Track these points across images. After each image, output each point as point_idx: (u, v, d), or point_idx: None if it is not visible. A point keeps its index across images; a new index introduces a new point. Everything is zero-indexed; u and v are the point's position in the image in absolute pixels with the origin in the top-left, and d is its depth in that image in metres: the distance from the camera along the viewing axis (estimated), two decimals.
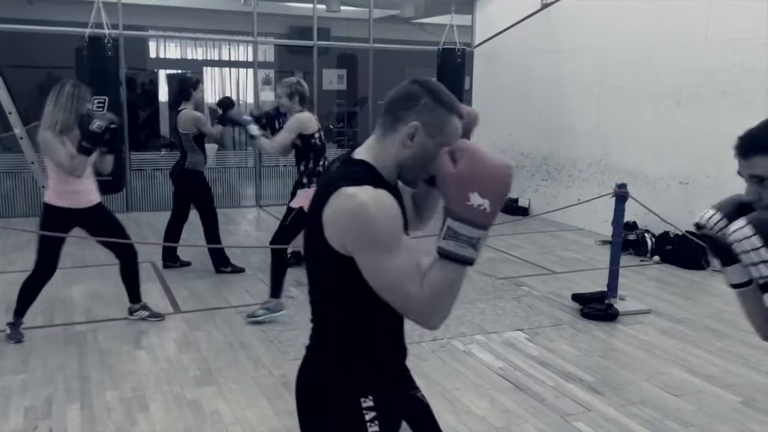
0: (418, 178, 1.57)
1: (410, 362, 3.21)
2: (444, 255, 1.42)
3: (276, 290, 4.54)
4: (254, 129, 4.56)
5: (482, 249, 1.44)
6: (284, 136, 4.44)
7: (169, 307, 4.80)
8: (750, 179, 1.54)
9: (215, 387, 3.55)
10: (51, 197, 4.07)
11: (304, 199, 4.49)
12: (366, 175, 1.48)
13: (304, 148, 4.46)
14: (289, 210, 4.56)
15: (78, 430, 3.09)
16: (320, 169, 4.52)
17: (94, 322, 4.48)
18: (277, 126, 4.78)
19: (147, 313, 4.51)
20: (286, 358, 3.92)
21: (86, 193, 4.13)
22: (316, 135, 4.49)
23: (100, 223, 4.25)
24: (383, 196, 1.42)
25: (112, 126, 4.07)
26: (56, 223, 4.06)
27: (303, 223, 5.01)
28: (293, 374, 3.88)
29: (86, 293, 5.01)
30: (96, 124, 3.96)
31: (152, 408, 3.31)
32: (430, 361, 3.91)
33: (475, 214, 1.40)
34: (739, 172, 1.58)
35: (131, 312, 4.51)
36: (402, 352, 1.70)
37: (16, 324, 4.13)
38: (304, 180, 4.51)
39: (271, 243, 4.59)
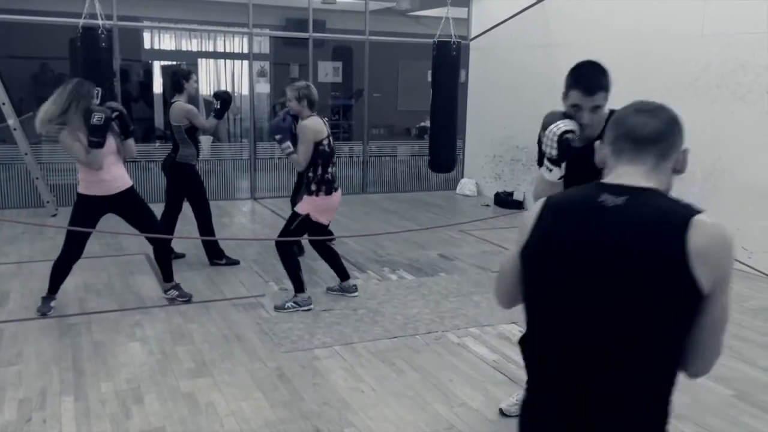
0: None
1: (404, 354, 3.20)
2: None
3: (298, 285, 4.60)
4: (288, 147, 4.50)
5: None
6: (304, 149, 4.41)
7: (164, 299, 4.79)
8: (591, 109, 2.52)
9: (210, 379, 3.55)
10: (82, 187, 4.33)
11: (310, 206, 4.51)
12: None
13: (314, 155, 4.43)
14: (295, 215, 4.56)
15: (72, 422, 3.09)
16: (329, 176, 4.50)
17: (88, 314, 4.47)
18: (293, 130, 4.75)
19: (177, 293, 4.72)
20: (280, 351, 3.93)
21: (115, 180, 4.38)
22: (325, 141, 4.47)
23: (130, 208, 4.49)
24: None
25: (115, 114, 4.27)
26: (88, 211, 4.35)
27: (306, 229, 5.01)
28: (288, 366, 3.90)
29: (80, 285, 5.00)
30: (96, 117, 4.13)
31: (147, 400, 3.31)
32: (424, 353, 3.92)
33: None
34: (574, 105, 2.53)
35: (164, 291, 4.77)
36: None
37: (47, 299, 4.45)
38: (313, 187, 4.48)
39: (277, 244, 4.61)
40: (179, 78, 5.44)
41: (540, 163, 2.59)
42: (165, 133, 5.47)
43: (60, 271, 4.44)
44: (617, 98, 7.08)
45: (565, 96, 2.57)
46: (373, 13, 9.60)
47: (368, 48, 9.31)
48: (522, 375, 3.69)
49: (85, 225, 4.36)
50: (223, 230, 6.73)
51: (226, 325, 4.33)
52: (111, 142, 4.33)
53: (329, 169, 4.51)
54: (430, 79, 8.71)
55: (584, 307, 1.37)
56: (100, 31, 6.46)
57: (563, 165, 2.48)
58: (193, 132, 5.42)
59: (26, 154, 7.39)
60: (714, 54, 6.06)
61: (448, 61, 8.31)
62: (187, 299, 4.71)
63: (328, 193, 4.51)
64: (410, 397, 3.39)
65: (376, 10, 10.60)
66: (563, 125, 2.45)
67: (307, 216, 4.50)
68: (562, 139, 2.43)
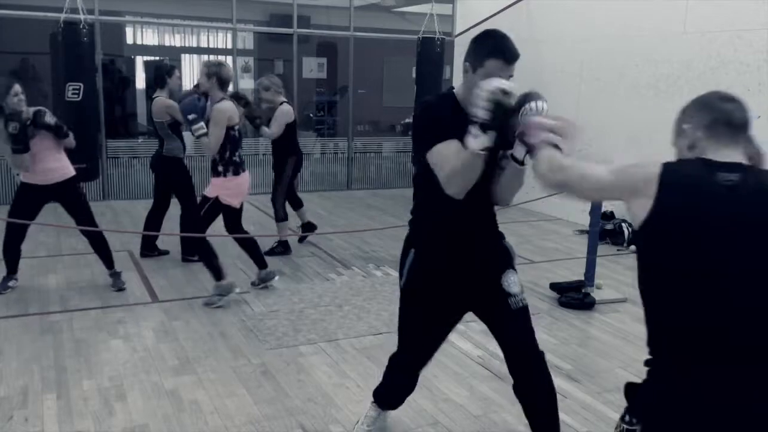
0: None
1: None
2: None
3: (217, 273, 4.53)
4: (201, 129, 4.39)
5: None
6: (216, 132, 4.37)
7: (147, 296, 4.76)
8: (504, 78, 2.21)
9: (194, 376, 3.53)
10: (22, 175, 4.59)
11: (219, 188, 4.50)
12: None
13: (224, 139, 4.42)
14: (205, 199, 4.53)
15: (54, 420, 3.06)
16: (237, 158, 4.49)
17: (70, 311, 4.43)
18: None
19: (112, 281, 4.88)
20: (264, 348, 3.92)
21: (53, 170, 4.55)
22: (236, 127, 4.49)
23: (68, 200, 4.68)
24: None
25: (28, 122, 4.34)
26: (27, 198, 4.59)
27: (218, 213, 5.02)
28: (272, 363, 3.89)
29: (62, 282, 4.96)
30: (11, 127, 4.27)
31: (130, 397, 3.28)
32: None
33: None
34: (490, 73, 2.20)
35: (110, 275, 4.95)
36: None
37: (6, 278, 4.74)
38: (220, 169, 4.48)
39: (188, 232, 4.58)
40: (162, 73, 5.40)
41: (426, 145, 2.29)
42: (148, 129, 5.44)
43: (8, 253, 4.71)
44: (602, 93, 7.22)
45: (476, 67, 2.31)
46: (357, 9, 9.58)
47: (353, 44, 9.29)
48: (505, 370, 3.71)
49: (23, 210, 4.61)
50: None
51: (210, 322, 4.31)
52: (47, 140, 4.47)
53: (237, 153, 4.50)
54: (414, 75, 8.72)
55: (736, 276, 1.52)
56: (81, 26, 6.40)
57: (493, 133, 2.14)
58: (176, 127, 5.38)
59: None
60: (696, 51, 6.12)
61: (432, 58, 8.33)
62: (119, 288, 4.81)
63: (236, 173, 4.50)
64: None
65: (361, 6, 10.57)
66: (500, 83, 2.13)
67: (217, 199, 4.47)
68: (497, 99, 2.11)
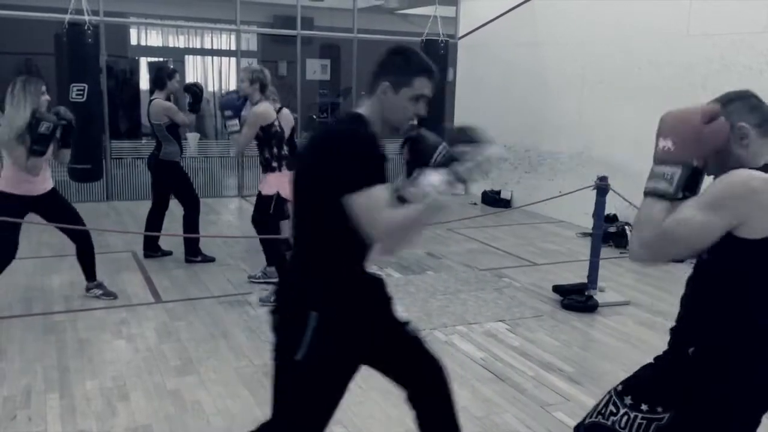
0: None
1: None
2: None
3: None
4: (234, 126, 4.65)
5: None
6: (247, 133, 4.60)
7: (150, 296, 4.77)
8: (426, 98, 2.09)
9: (196, 377, 3.54)
10: (6, 185, 4.16)
11: (277, 182, 4.66)
12: None
13: (266, 137, 4.63)
14: (267, 198, 4.68)
15: (57, 419, 3.07)
16: (285, 152, 4.70)
17: (73, 311, 4.44)
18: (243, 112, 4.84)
19: (101, 291, 4.66)
20: (267, 348, 3.91)
21: (40, 182, 4.24)
22: (276, 123, 4.66)
23: (54, 209, 4.37)
24: None
25: (63, 122, 4.15)
26: (10, 209, 4.15)
27: (283, 207, 5.19)
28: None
29: (65, 282, 4.97)
30: (44, 126, 4.03)
31: (132, 398, 3.29)
32: None
33: None
34: (420, 96, 2.07)
35: (87, 290, 4.68)
36: None
37: None
38: (274, 164, 4.67)
39: (259, 232, 4.79)
40: (163, 75, 5.41)
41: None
42: (151, 129, 5.47)
43: None
44: (605, 96, 7.19)
45: (400, 87, 2.02)
46: (361, 10, 9.59)
47: (356, 46, 9.30)
48: (507, 372, 3.72)
49: (12, 225, 4.16)
50: (209, 227, 6.71)
51: (212, 322, 4.31)
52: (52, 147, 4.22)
53: (283, 147, 4.71)
54: None
55: None
56: (86, 27, 6.41)
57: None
58: (174, 129, 5.39)
59: None
60: (699, 54, 6.12)
61: (435, 60, 8.20)
62: (113, 297, 4.64)
63: (289, 168, 4.68)
64: (397, 395, 3.37)
65: (365, 8, 10.59)
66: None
67: (278, 194, 4.63)
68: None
